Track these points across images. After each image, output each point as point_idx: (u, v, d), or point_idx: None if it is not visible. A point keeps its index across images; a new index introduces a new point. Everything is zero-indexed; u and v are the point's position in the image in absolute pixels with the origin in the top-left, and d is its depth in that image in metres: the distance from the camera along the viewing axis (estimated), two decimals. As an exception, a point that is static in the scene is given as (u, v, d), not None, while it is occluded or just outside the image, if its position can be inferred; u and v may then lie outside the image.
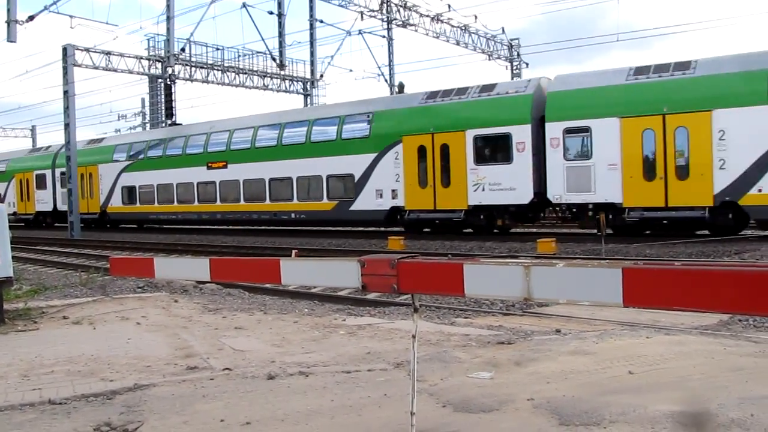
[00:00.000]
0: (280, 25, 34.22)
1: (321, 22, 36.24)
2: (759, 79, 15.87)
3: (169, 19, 29.93)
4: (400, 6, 33.38)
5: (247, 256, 17.24)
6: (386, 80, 38.73)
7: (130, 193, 30.82)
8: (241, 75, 34.16)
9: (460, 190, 20.35)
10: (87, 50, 29.03)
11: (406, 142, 21.40)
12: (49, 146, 39.14)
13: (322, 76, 37.26)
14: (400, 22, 34.04)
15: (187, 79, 32.31)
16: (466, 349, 5.55)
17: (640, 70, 17.90)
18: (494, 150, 20.01)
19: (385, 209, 21.91)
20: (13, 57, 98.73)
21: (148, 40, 31.36)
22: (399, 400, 4.07)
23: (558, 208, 19.92)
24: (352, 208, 22.79)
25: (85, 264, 16.52)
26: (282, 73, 35.41)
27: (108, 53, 29.65)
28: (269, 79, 35.33)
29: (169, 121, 33.16)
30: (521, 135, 19.16)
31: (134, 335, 6.57)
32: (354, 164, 22.56)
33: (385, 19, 34.51)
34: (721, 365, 4.80)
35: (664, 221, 17.30)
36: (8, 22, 26.20)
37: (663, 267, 2.25)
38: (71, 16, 27.91)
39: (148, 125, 55.39)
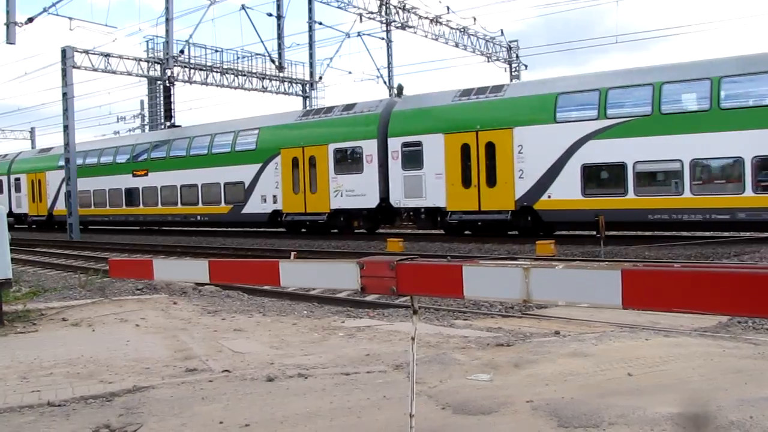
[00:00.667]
0: (279, 27, 34.22)
1: (320, 24, 36.29)
2: (548, 101, 18.82)
3: (168, 21, 29.94)
4: (399, 8, 33.36)
5: (246, 258, 17.23)
6: (385, 82, 38.77)
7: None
8: (240, 77, 34.15)
9: (324, 196, 23.79)
10: (86, 52, 29.02)
11: (283, 154, 25.00)
12: (6, 154, 41.78)
13: (321, 78, 37.25)
14: (399, 24, 34.03)
15: (186, 81, 32.31)
16: (465, 351, 5.55)
17: (464, 92, 21.02)
18: (349, 161, 23.41)
19: (268, 212, 25.41)
20: (13, 59, 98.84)
21: (147, 42, 31.35)
22: (398, 402, 4.07)
23: (400, 212, 22.83)
24: (243, 211, 26.24)
25: (84, 266, 16.50)
26: (281, 75, 35.38)
27: (107, 55, 29.64)
28: (268, 81, 35.32)
29: (168, 123, 33.18)
30: (370, 148, 22.56)
31: (133, 337, 6.57)
32: (244, 173, 26.09)
33: (384, 21, 34.48)
34: (720, 367, 4.80)
35: (479, 223, 20.45)
36: (7, 24, 26.18)
37: (662, 269, 2.25)
38: (70, 18, 27.92)
39: (147, 127, 55.45)
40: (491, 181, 19.76)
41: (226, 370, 5.09)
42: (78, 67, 28.81)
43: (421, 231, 23.12)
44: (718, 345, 5.53)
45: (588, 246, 16.97)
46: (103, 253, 21.50)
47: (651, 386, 4.34)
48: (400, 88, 31.26)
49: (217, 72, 33.21)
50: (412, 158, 21.35)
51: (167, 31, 30.10)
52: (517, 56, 39.76)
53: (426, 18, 34.37)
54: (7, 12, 26.21)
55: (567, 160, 18.17)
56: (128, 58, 30.36)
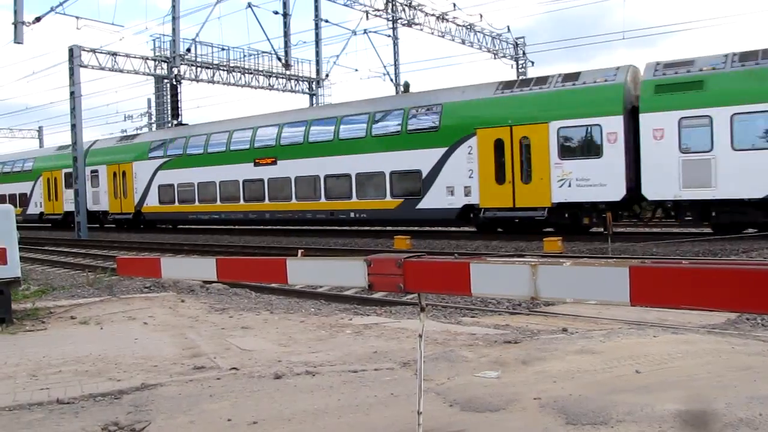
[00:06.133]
0: (286, 25, 34.21)
1: (326, 21, 36.25)
2: None
3: (174, 19, 29.98)
4: (405, 5, 33.29)
5: (253, 255, 17.25)
6: (392, 80, 38.72)
7: None
8: (246, 75, 34.16)
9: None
10: (93, 51, 29.08)
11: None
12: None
13: (327, 75, 37.25)
14: (405, 22, 33.95)
15: (192, 80, 32.34)
16: (472, 349, 5.54)
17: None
18: None
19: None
20: (20, 58, 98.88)
21: (154, 40, 31.45)
22: (406, 400, 4.07)
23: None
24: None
25: (92, 264, 16.58)
26: (287, 72, 35.39)
27: (114, 54, 29.70)
28: (275, 79, 35.33)
29: (174, 122, 33.21)
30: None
31: (141, 335, 6.59)
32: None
33: (390, 19, 34.43)
34: (728, 364, 4.78)
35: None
36: (15, 24, 26.30)
37: (670, 265, 2.24)
38: (77, 17, 27.99)
39: (154, 125, 55.54)
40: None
41: (234, 368, 5.10)
42: (85, 66, 28.85)
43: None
44: (727, 342, 5.51)
45: (595, 243, 16.91)
46: (111, 252, 21.59)
47: (659, 383, 4.32)
48: (407, 86, 31.23)
49: (223, 70, 33.24)
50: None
51: (174, 29, 30.15)
52: (524, 53, 39.66)
53: (432, 15, 34.29)
54: (15, 11, 26.33)
55: None
56: (135, 57, 30.42)
